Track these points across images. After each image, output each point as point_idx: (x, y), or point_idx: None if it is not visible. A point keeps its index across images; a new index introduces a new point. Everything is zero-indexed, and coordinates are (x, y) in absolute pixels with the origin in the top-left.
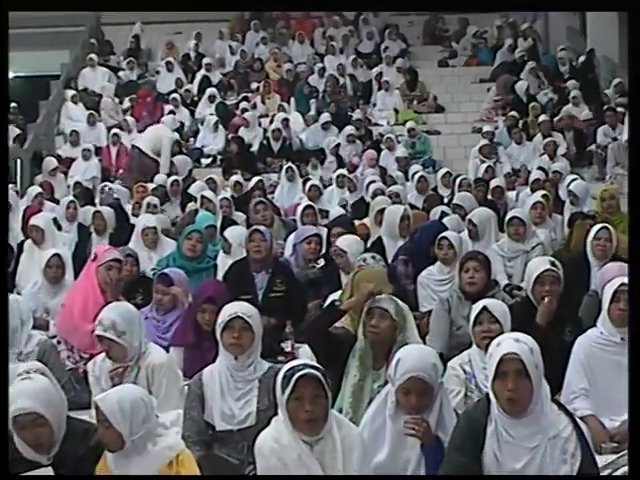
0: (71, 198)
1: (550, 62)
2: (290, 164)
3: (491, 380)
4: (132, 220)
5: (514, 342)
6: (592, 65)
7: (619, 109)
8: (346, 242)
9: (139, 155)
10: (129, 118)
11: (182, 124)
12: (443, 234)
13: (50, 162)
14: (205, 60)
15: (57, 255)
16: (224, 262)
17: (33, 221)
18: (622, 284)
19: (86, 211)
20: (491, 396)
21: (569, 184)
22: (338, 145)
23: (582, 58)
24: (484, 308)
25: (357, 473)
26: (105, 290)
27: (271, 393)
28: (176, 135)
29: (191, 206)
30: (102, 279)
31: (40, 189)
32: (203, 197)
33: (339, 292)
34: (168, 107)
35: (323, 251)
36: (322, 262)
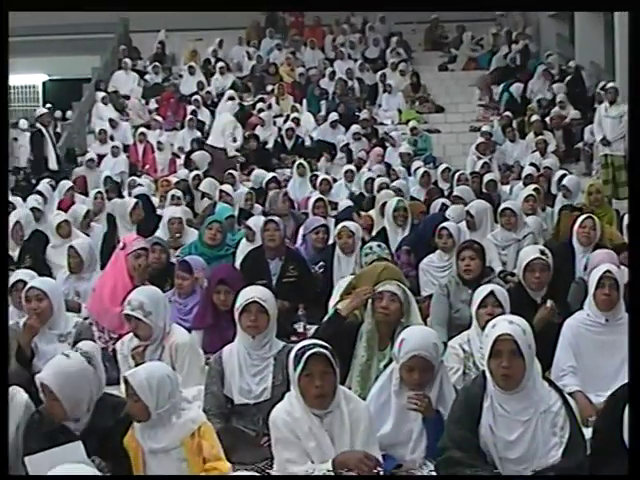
0: (98, 190)
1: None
2: (301, 161)
3: (487, 358)
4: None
5: (508, 324)
6: (581, 77)
7: None
8: (354, 226)
9: (213, 151)
10: (158, 117)
11: (203, 123)
12: (443, 224)
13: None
14: (219, 65)
15: (73, 248)
16: (245, 249)
17: (62, 217)
18: (606, 271)
19: (114, 203)
20: (487, 373)
21: (561, 179)
22: (347, 143)
23: (571, 63)
24: (491, 293)
25: (363, 444)
26: (133, 276)
27: (285, 370)
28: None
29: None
30: (131, 266)
31: (71, 183)
32: (222, 191)
33: (348, 278)
34: (190, 107)
35: (330, 241)
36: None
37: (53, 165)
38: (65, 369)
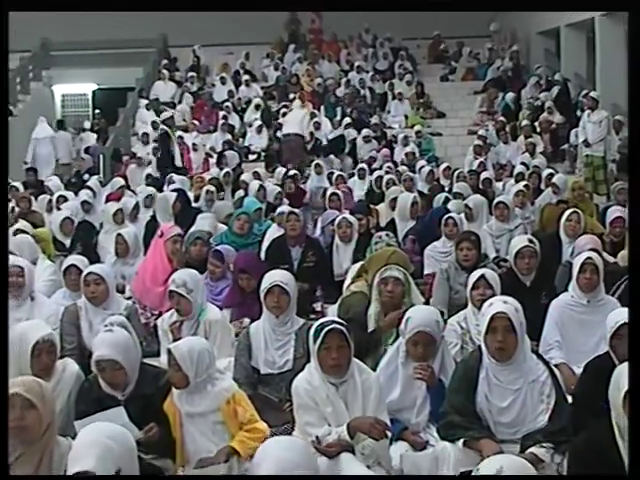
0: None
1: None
2: (318, 160)
3: (483, 334)
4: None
5: (503, 303)
6: (566, 87)
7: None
8: (352, 219)
9: (296, 137)
10: (195, 121)
11: (233, 127)
12: (450, 215)
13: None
14: (247, 75)
15: (121, 235)
16: (272, 237)
17: (118, 206)
18: (588, 258)
19: (158, 197)
20: (483, 347)
21: (550, 177)
22: (354, 145)
23: (557, 75)
24: (482, 276)
25: (374, 410)
26: (171, 259)
27: (305, 344)
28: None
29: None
30: (169, 250)
31: (123, 181)
32: (261, 185)
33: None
34: (222, 113)
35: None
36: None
37: (178, 162)
38: (120, 340)
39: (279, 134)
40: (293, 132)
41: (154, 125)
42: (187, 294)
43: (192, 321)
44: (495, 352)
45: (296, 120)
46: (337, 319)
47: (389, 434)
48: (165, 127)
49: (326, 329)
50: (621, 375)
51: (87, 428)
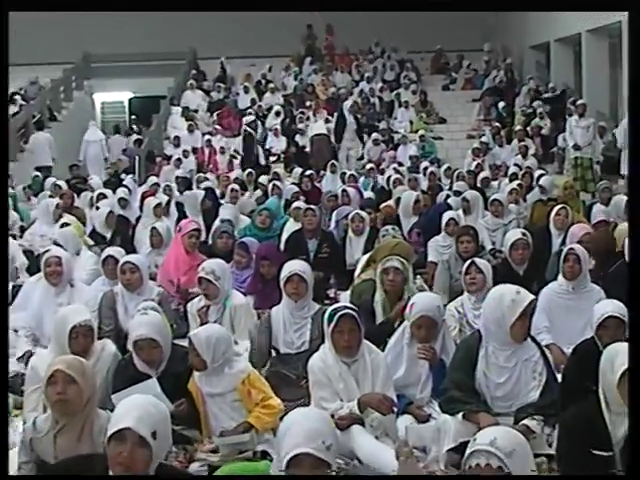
0: (167, 184)
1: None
2: (333, 161)
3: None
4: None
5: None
6: (557, 96)
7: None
8: (364, 214)
9: (323, 137)
10: (217, 127)
11: (255, 131)
12: (451, 216)
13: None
14: (268, 85)
15: (155, 229)
16: (290, 230)
17: (157, 201)
18: (570, 249)
19: (186, 194)
20: (482, 330)
21: (538, 178)
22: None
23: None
24: (472, 262)
25: (382, 386)
26: (189, 251)
27: (320, 327)
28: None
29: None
30: (187, 244)
31: (156, 179)
32: (274, 186)
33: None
34: (245, 119)
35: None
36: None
37: (262, 160)
38: (156, 321)
39: (297, 138)
40: (321, 133)
41: (190, 128)
42: (215, 281)
43: (218, 306)
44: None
45: (322, 126)
46: (349, 305)
47: (395, 409)
48: (249, 129)
49: (339, 314)
50: (615, 357)
51: (127, 398)
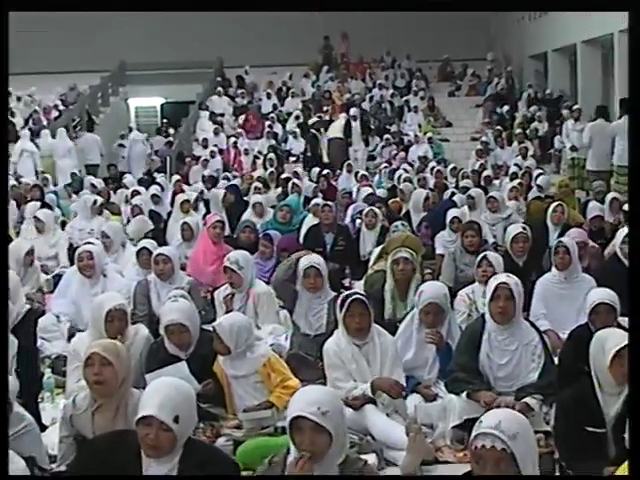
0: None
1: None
2: (349, 161)
3: (488, 301)
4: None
5: (506, 277)
6: (555, 102)
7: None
8: (376, 210)
9: (339, 140)
10: (240, 130)
11: (276, 134)
12: (455, 214)
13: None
14: (290, 91)
15: (186, 223)
16: (309, 225)
17: (184, 197)
18: (559, 241)
19: (212, 192)
20: (486, 314)
21: (537, 177)
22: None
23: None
24: (484, 256)
25: (391, 366)
26: (215, 242)
27: (334, 311)
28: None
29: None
30: (212, 235)
31: (179, 177)
32: (294, 184)
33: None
34: (267, 122)
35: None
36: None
37: (325, 159)
38: (186, 308)
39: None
40: (336, 136)
41: (216, 131)
42: (238, 270)
43: (242, 294)
44: (497, 315)
45: (339, 127)
46: (359, 291)
47: (404, 393)
48: (314, 130)
49: (350, 299)
50: (605, 341)
51: (153, 382)
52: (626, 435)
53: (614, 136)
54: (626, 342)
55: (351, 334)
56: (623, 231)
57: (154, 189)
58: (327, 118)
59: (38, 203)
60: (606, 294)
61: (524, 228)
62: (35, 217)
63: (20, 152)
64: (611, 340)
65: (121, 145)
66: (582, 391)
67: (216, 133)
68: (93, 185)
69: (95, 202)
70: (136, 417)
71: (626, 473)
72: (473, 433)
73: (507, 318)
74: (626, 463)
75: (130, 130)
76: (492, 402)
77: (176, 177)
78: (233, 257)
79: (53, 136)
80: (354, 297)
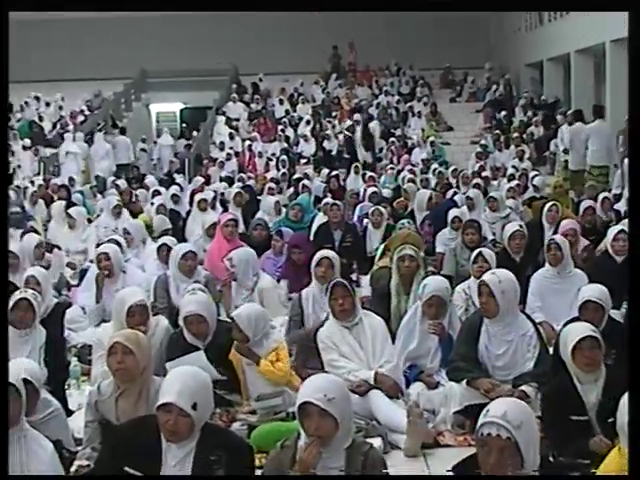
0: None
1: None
2: (356, 163)
3: (477, 296)
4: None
5: (490, 274)
6: (551, 107)
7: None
8: (382, 209)
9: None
10: (255, 133)
11: (289, 138)
12: (456, 213)
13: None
14: (301, 97)
15: (214, 223)
16: (319, 222)
17: (202, 196)
18: (551, 239)
19: (228, 192)
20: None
21: (533, 179)
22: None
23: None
24: (480, 253)
25: (382, 344)
26: (229, 239)
27: None
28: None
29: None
30: (225, 233)
31: (202, 179)
32: (304, 184)
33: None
34: (280, 127)
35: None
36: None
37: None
38: (203, 300)
39: (324, 143)
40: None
41: (230, 135)
42: (230, 267)
43: (246, 288)
44: (481, 310)
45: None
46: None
47: (401, 395)
48: (348, 133)
49: (332, 283)
50: (567, 335)
51: (172, 370)
52: (611, 420)
53: (587, 138)
54: (585, 334)
55: (337, 316)
56: (615, 229)
57: (174, 189)
58: (336, 123)
59: (64, 202)
60: (596, 292)
61: (521, 226)
62: (67, 214)
63: (65, 154)
64: (572, 333)
65: (143, 150)
66: (563, 383)
67: (232, 137)
68: (117, 185)
69: (116, 205)
70: (157, 404)
71: (614, 462)
72: (480, 421)
73: (490, 313)
74: (614, 450)
75: (158, 135)
76: (491, 389)
77: (199, 179)
78: (230, 255)
79: (86, 141)
80: (335, 281)
